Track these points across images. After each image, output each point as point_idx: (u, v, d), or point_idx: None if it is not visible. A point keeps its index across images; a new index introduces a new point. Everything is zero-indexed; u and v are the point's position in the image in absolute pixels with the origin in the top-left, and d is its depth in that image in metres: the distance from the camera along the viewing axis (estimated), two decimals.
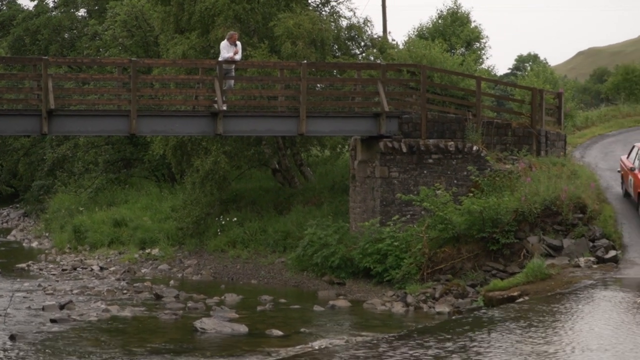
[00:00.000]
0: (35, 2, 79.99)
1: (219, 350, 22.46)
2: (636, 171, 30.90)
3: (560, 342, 18.43)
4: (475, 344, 18.88)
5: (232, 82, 33.75)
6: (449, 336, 19.92)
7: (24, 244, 54.43)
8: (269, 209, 41.45)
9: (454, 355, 17.70)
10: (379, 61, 42.12)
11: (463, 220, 30.77)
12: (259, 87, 36.26)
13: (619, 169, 34.01)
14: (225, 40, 33.87)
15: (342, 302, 30.04)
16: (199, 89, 34.35)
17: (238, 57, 33.58)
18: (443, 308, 28.00)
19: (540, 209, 30.86)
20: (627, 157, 33.06)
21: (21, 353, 22.25)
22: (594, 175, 35.24)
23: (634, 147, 33.46)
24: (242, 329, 25.28)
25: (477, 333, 20.14)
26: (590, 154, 43.22)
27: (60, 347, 23.05)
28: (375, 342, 21.13)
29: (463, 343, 19.01)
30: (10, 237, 58.27)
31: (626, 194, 32.60)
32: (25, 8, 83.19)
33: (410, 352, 18.42)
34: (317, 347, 21.44)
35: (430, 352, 18.11)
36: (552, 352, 17.41)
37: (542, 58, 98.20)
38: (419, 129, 34.07)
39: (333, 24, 43.48)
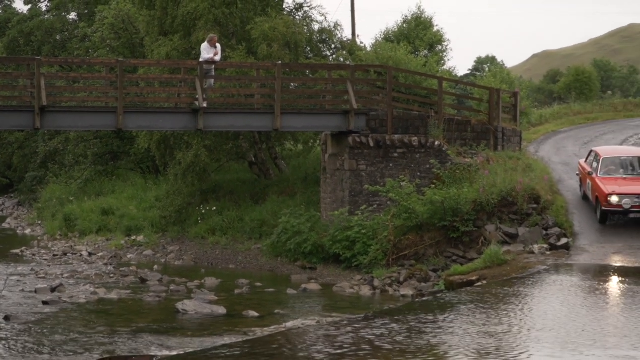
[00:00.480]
0: (29, 6, 79.75)
1: (199, 330, 22.44)
2: (594, 175, 30.38)
3: (509, 323, 18.53)
4: (429, 325, 18.96)
5: (212, 81, 33.75)
6: (412, 317, 19.99)
7: (17, 231, 54.27)
8: (246, 199, 41.43)
9: (409, 334, 17.77)
10: (348, 62, 42.19)
11: (426, 209, 30.83)
12: (237, 86, 36.24)
13: (577, 172, 33.50)
14: (206, 42, 33.87)
15: (313, 286, 30.07)
16: (181, 88, 34.33)
17: (218, 58, 33.58)
18: (407, 291, 28.06)
19: (497, 199, 30.97)
20: (586, 161, 32.49)
21: (15, 333, 22.19)
22: (547, 169, 35.42)
23: (591, 151, 32.93)
24: (221, 310, 25.29)
25: (430, 315, 20.24)
26: (544, 149, 43.35)
27: (52, 327, 23.01)
28: (344, 322, 21.15)
29: (420, 324, 19.08)
30: (5, 225, 58.06)
31: (584, 197, 32.22)
32: (20, 11, 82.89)
33: (373, 331, 18.50)
34: (290, 327, 21.44)
35: (377, 331, 18.18)
36: (499, 332, 17.48)
37: (499, 60, 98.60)
38: (385, 125, 34.11)
39: (306, 27, 43.46)
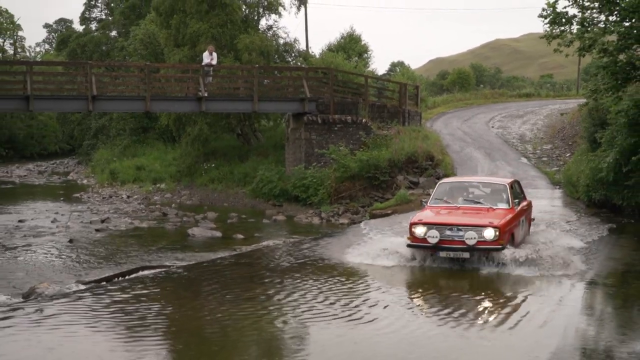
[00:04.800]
0: (84, 26, 79.07)
1: (203, 247, 22.51)
2: (425, 205, 17.82)
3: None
4: (358, 238, 19.17)
5: (210, 78, 33.57)
6: (348, 236, 20.21)
7: (78, 182, 53.91)
8: (235, 159, 41.34)
9: (346, 246, 18.00)
10: (303, 65, 42.08)
11: (356, 165, 30.99)
12: (228, 82, 36.06)
13: None
14: (206, 51, 33.75)
15: (281, 217, 30.14)
16: (189, 83, 34.16)
17: (214, 62, 33.46)
18: (344, 220, 28.23)
19: (404, 158, 31.23)
20: None
21: (78, 250, 22.19)
22: (439, 137, 35.75)
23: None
24: (218, 234, 25.35)
25: (359, 234, 20.49)
26: (437, 124, 43.64)
27: (102, 247, 23.01)
28: (301, 241, 21.33)
29: (353, 238, 19.29)
30: (69, 177, 57.76)
31: None
32: (78, 30, 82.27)
33: (321, 243, 18.67)
34: (265, 245, 21.55)
35: (324, 246, 18.39)
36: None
37: (406, 64, 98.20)
38: (329, 108, 34.13)
39: (274, 41, 43.31)
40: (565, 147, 36.75)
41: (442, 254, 15.90)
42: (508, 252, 15.74)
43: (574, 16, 23.58)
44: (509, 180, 18.31)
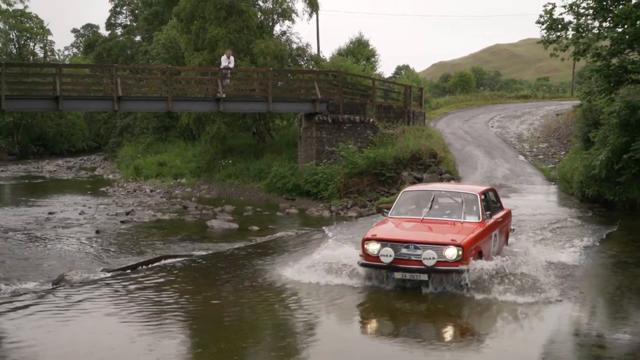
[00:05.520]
0: (109, 31, 79.29)
1: (221, 238, 22.55)
2: (386, 216, 14.68)
3: None
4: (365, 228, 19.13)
5: (228, 80, 33.60)
6: (355, 226, 20.22)
7: (104, 177, 54.01)
8: (250, 156, 41.39)
9: (352, 235, 17.97)
10: (315, 68, 42.09)
11: (364, 162, 30.98)
12: (244, 84, 36.09)
13: None
14: (224, 55, 33.77)
15: (293, 210, 30.17)
16: (208, 84, 34.19)
17: (231, 65, 33.48)
18: (352, 213, 28.22)
19: (409, 155, 31.18)
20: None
21: (103, 240, 22.26)
22: (441, 136, 35.68)
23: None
24: (235, 226, 25.38)
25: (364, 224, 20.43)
26: (439, 124, 43.57)
27: (126, 237, 23.07)
28: (312, 232, 21.35)
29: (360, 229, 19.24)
30: (96, 173, 57.89)
31: None
32: (103, 35, 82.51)
33: (330, 236, 18.67)
34: (278, 236, 21.58)
35: (333, 236, 18.38)
36: None
37: (411, 67, 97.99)
38: (339, 109, 34.11)
39: (288, 46, 43.32)
40: (561, 145, 36.64)
41: (397, 275, 12.72)
42: (472, 272, 12.49)
43: (570, 22, 23.55)
44: (482, 189, 14.90)
